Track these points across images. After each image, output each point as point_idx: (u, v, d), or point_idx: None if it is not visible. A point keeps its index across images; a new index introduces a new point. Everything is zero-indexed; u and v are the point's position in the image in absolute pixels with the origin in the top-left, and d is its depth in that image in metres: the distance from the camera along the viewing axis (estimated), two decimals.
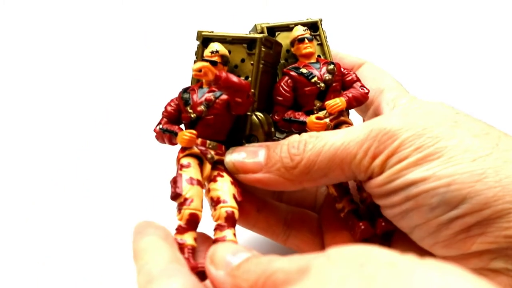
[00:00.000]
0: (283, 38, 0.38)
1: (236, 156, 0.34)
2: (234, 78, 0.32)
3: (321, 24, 0.39)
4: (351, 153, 0.31)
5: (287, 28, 0.38)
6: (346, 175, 0.32)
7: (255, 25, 0.38)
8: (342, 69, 0.37)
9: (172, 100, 0.36)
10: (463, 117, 0.32)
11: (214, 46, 0.35)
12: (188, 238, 0.31)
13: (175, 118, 0.35)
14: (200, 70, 0.33)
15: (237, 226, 0.33)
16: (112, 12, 0.67)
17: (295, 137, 0.33)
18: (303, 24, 0.38)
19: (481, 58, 0.58)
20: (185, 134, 0.33)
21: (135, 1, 0.68)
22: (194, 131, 0.33)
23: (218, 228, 0.32)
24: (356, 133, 0.32)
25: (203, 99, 0.34)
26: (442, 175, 0.29)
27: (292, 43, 0.37)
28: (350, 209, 0.36)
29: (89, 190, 0.51)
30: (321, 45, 0.39)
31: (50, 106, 0.58)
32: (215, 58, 0.34)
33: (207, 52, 0.34)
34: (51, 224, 0.48)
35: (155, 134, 0.36)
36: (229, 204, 0.33)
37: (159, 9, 0.67)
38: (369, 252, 0.22)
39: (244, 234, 0.42)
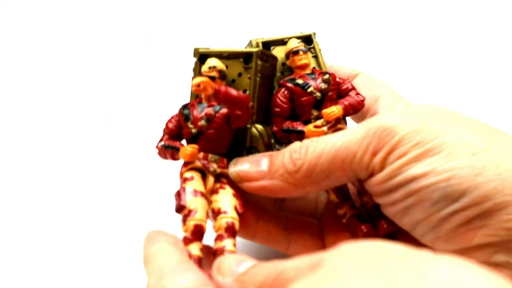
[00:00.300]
0: (278, 52, 0.39)
1: (239, 167, 0.35)
2: (233, 92, 0.33)
3: (314, 37, 0.40)
4: (352, 152, 0.32)
5: (282, 42, 0.39)
6: (348, 175, 0.33)
7: (251, 40, 0.39)
8: (337, 79, 0.38)
9: (172, 117, 0.36)
10: (460, 116, 0.33)
11: (212, 61, 0.35)
12: (194, 249, 0.31)
13: (176, 134, 0.36)
14: (199, 85, 0.34)
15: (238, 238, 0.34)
16: (112, 12, 0.68)
17: (296, 144, 0.34)
18: (297, 37, 0.39)
19: (474, 69, 0.59)
20: (187, 149, 0.34)
21: (135, 1, 0.69)
22: (195, 146, 0.34)
23: (218, 238, 0.32)
24: (355, 133, 0.32)
25: (203, 114, 0.34)
26: (442, 170, 0.29)
27: (287, 55, 0.38)
28: (352, 214, 0.36)
29: (89, 190, 0.51)
30: (315, 57, 0.39)
31: (50, 106, 0.58)
32: (213, 73, 0.35)
33: (204, 68, 0.35)
34: (51, 224, 0.48)
35: (157, 150, 0.36)
36: (230, 215, 0.33)
37: (159, 9, 0.68)
38: (381, 246, 0.23)
39: (245, 244, 0.42)
